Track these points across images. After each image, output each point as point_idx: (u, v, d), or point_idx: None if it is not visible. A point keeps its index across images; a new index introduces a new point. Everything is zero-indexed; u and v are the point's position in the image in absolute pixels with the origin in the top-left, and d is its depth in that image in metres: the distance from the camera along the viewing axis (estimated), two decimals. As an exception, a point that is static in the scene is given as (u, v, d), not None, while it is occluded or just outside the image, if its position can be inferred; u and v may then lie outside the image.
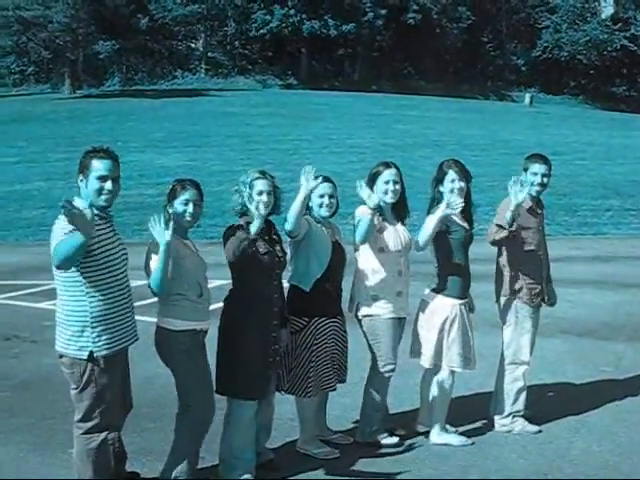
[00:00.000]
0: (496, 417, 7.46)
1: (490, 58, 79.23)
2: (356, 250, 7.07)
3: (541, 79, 77.15)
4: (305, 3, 69.06)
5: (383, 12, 70.09)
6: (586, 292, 13.03)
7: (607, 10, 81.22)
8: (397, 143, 35.14)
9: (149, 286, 5.79)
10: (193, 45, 75.51)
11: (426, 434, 7.17)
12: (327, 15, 69.21)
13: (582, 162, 31.34)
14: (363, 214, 6.73)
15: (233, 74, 72.36)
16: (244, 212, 6.35)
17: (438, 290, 7.02)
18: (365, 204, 6.77)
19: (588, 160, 31.99)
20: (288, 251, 6.66)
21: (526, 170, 7.39)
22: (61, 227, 5.24)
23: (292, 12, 69.14)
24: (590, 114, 62.90)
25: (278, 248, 6.44)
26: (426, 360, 7.04)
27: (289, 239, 6.63)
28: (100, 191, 5.48)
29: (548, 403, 8.11)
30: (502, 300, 7.41)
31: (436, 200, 7.00)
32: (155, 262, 5.71)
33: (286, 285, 6.68)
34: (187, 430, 6.10)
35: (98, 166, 5.48)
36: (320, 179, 6.47)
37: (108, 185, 5.49)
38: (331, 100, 54.85)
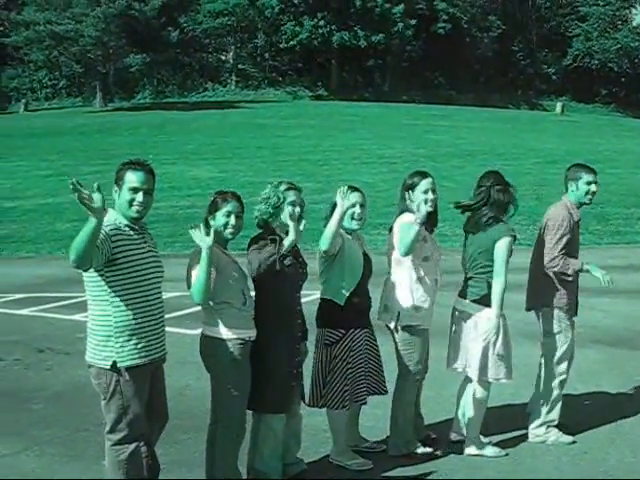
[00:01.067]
0: (530, 427, 7.42)
1: (521, 67, 79.02)
2: (390, 259, 7.03)
3: (572, 88, 76.82)
4: (335, 14, 69.20)
5: (413, 22, 70.08)
6: (619, 301, 12.92)
7: (638, 18, 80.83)
8: (428, 153, 35.08)
9: (191, 295, 5.82)
10: (223, 57, 75.96)
11: (460, 443, 7.14)
12: (357, 26, 69.34)
13: (614, 171, 31.07)
14: (410, 223, 6.65)
15: (263, 86, 72.64)
16: (266, 223, 6.38)
17: (483, 302, 6.92)
18: (403, 214, 6.81)
19: (620, 169, 31.74)
20: (317, 265, 6.66)
21: (576, 179, 7.35)
22: None
23: (322, 23, 69.31)
24: (622, 122, 62.50)
25: (301, 260, 6.47)
26: (474, 373, 6.95)
27: (320, 255, 6.62)
28: (131, 202, 5.51)
29: (582, 413, 8.04)
30: (545, 310, 7.37)
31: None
32: (197, 270, 5.75)
33: (309, 299, 6.68)
34: (226, 443, 6.12)
35: (131, 178, 5.52)
36: (352, 195, 6.48)
37: (139, 197, 5.52)
38: (361, 111, 54.86)
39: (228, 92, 71.03)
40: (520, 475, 6.67)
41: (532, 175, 28.26)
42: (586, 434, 7.47)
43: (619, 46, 74.70)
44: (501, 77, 76.33)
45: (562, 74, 78.23)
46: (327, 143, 38.10)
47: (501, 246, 6.80)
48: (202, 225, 5.72)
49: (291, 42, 70.31)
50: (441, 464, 6.86)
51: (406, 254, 6.70)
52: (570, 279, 7.31)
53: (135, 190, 5.52)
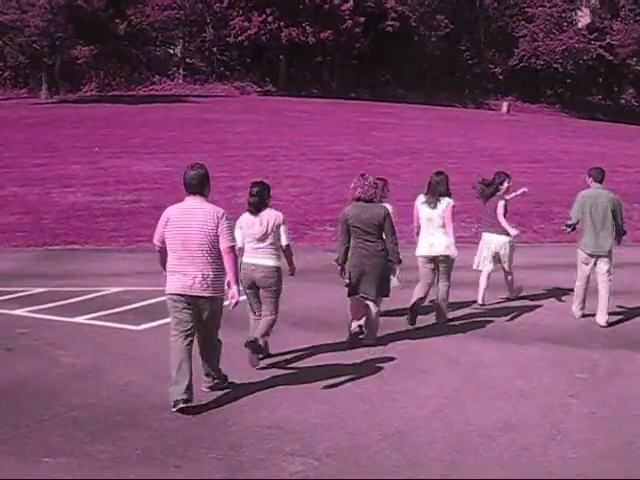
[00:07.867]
0: (600, 319, 11.47)
1: (468, 66, 79.57)
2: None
3: (518, 87, 77.54)
4: (284, 10, 69.04)
5: (362, 20, 70.15)
6: (562, 299, 13.05)
7: (584, 20, 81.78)
8: (375, 150, 35.16)
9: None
10: (171, 51, 75.46)
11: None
12: (305, 22, 69.26)
13: (559, 170, 31.44)
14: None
15: (211, 80, 72.34)
16: None
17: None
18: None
19: (564, 168, 32.06)
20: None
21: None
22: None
23: (270, 19, 69.15)
24: (566, 122, 63.21)
25: None
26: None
27: None
28: None
29: (524, 410, 8.11)
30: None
31: None
32: None
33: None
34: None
35: None
36: None
37: None
38: (309, 107, 54.88)
39: (175, 86, 70.60)
40: (462, 473, 6.71)
41: (478, 174, 28.38)
42: (528, 431, 7.54)
43: (564, 47, 75.52)
44: (448, 76, 76.69)
45: (508, 74, 78.84)
46: (274, 139, 38.05)
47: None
48: None
49: (240, 37, 70.01)
50: (383, 460, 6.87)
51: None
52: None
53: None
